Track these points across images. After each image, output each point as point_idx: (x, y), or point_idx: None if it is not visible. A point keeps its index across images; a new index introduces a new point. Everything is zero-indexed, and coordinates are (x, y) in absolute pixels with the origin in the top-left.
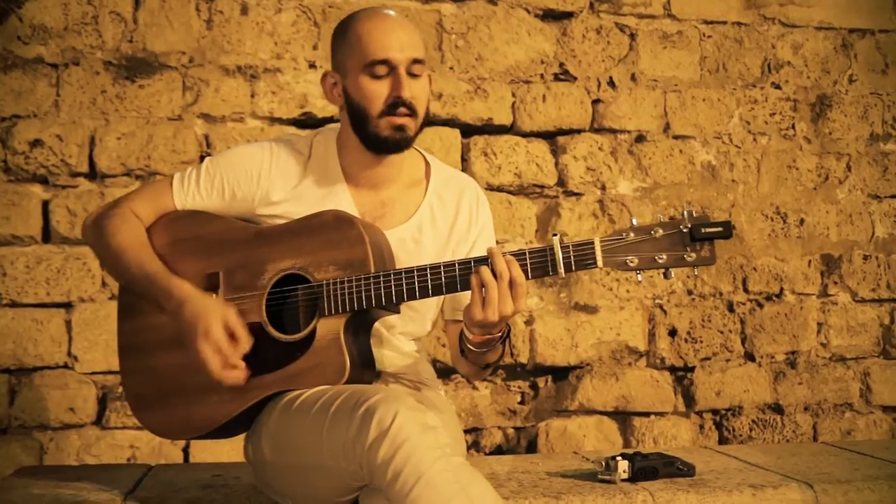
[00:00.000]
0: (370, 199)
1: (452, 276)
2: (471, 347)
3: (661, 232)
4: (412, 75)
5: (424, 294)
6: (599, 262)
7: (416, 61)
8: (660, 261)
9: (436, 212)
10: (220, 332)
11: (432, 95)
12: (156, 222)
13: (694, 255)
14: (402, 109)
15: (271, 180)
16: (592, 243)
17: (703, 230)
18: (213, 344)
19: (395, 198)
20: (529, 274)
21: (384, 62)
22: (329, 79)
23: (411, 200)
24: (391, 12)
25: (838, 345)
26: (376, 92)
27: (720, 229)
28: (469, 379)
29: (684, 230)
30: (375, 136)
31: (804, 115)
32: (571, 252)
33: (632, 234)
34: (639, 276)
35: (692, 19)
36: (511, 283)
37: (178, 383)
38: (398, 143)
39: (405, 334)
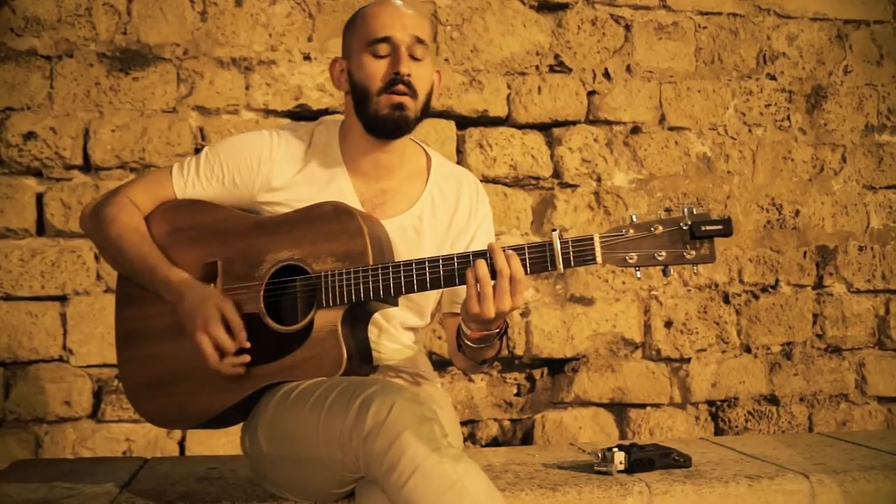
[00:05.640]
0: (370, 188)
1: (451, 270)
2: (468, 343)
3: (660, 229)
4: (414, 58)
5: (423, 287)
6: (599, 259)
7: (419, 41)
8: (659, 258)
9: (437, 203)
10: (218, 324)
11: (437, 86)
12: (154, 211)
13: (693, 252)
14: (401, 87)
15: (271, 166)
16: (592, 239)
17: (703, 228)
18: (212, 336)
19: (396, 187)
20: (528, 269)
21: (385, 40)
22: (337, 65)
23: (412, 190)
24: (399, 0)
25: (833, 336)
26: (377, 69)
27: (720, 227)
28: (466, 372)
29: (684, 227)
30: (375, 115)
31: (799, 107)
32: (571, 248)
33: (631, 231)
34: (637, 272)
35: (687, 10)
36: (511, 279)
37: (176, 372)
38: (397, 123)
39: (404, 325)
